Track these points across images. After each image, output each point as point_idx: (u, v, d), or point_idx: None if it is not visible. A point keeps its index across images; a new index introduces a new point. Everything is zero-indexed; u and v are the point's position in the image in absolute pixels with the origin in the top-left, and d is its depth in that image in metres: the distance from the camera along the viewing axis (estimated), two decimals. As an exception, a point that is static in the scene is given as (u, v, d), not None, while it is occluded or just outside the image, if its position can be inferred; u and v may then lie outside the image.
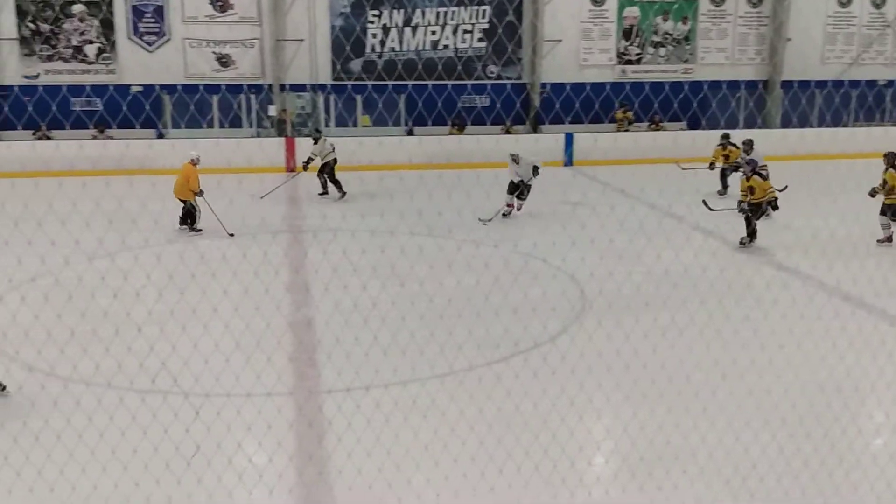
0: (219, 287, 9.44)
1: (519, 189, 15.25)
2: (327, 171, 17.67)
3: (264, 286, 9.75)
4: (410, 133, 23.41)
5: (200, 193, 13.79)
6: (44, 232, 7.42)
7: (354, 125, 23.33)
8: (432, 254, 12.45)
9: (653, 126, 24.61)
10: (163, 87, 22.32)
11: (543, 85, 24.65)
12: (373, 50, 24.18)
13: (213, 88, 22.36)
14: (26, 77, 22.53)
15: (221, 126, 22.38)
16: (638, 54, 25.64)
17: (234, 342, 7.99)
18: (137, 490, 5.75)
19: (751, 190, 13.14)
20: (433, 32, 24.36)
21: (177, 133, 21.94)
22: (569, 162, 22.23)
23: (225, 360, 7.70)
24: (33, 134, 21.53)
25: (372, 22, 24.04)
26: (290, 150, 21.33)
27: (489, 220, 14.46)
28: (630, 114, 24.14)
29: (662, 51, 25.79)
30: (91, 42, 22.87)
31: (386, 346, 8.09)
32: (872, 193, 13.14)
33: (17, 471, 5.77)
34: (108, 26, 22.64)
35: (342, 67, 23.83)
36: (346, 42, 23.62)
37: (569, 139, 22.53)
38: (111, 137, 21.35)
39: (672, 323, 8.91)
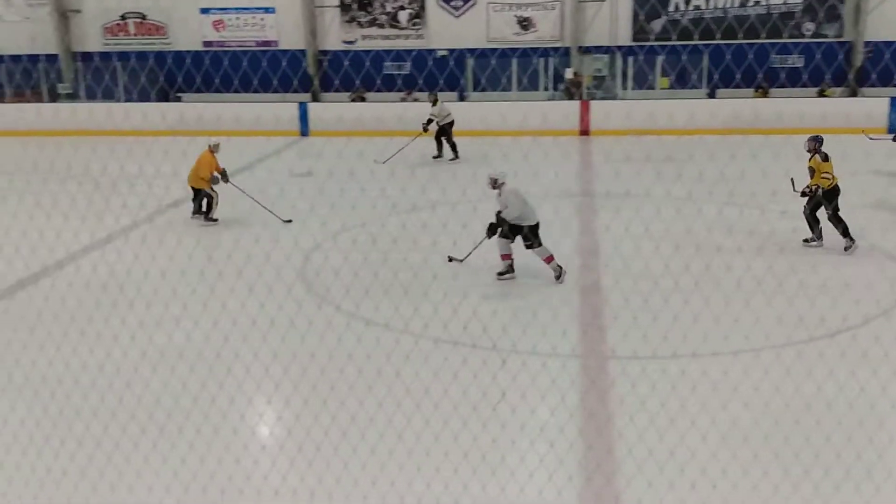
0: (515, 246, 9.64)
1: (499, 230, 9.51)
2: (444, 134, 17.79)
3: (559, 248, 9.82)
4: (712, 95, 22.26)
5: (215, 181, 12.60)
6: (359, 185, 7.91)
7: (652, 88, 22.62)
8: (733, 221, 11.79)
9: None
10: (466, 50, 23.14)
11: (868, 43, 22.24)
12: (676, 8, 23.22)
13: (512, 51, 22.83)
14: (345, 42, 24.41)
15: (519, 89, 22.77)
16: None
17: (520, 299, 8.14)
18: (427, 429, 6.04)
19: (811, 171, 10.65)
20: (743, -12, 22.87)
21: (476, 96, 22.67)
22: (894, 128, 19.91)
23: (512, 315, 7.86)
24: (350, 96, 23.32)
25: (677, -21, 23.07)
26: (585, 112, 21.19)
27: (460, 260, 9.98)
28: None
29: None
30: (404, 8, 24.22)
31: (677, 314, 7.79)
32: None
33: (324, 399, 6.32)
34: (419, -7, 23.88)
35: (643, 27, 23.17)
36: (649, 1, 22.91)
37: (894, 103, 20.16)
38: (417, 100, 22.57)
39: None
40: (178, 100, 23.74)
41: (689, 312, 7.81)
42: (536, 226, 9.42)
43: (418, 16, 24.06)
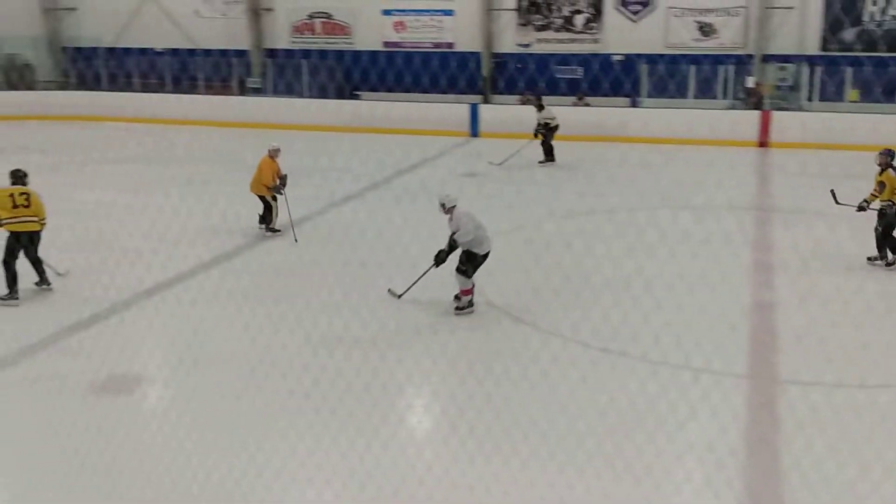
0: (680, 258, 9.40)
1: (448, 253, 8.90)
2: (549, 137, 17.25)
3: (726, 263, 9.49)
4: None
5: (276, 189, 11.72)
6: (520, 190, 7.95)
7: (841, 100, 21.35)
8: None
9: None
10: (641, 56, 22.71)
11: None
12: (871, 18, 21.80)
13: (690, 58, 22.20)
14: (519, 45, 24.51)
15: (696, 97, 22.10)
16: None
17: (692, 315, 7.90)
18: (582, 443, 5.99)
19: (881, 187, 9.82)
20: (950, -4, 21.17)
21: (651, 103, 22.20)
22: None
23: (681, 332, 7.66)
24: (520, 100, 23.41)
25: (875, -14, 21.66)
26: (765, 124, 20.28)
27: (398, 295, 9.19)
28: None
29: None
30: (580, 12, 24.05)
31: (866, 343, 7.34)
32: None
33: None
34: (597, -3, 23.64)
35: (834, 37, 21.91)
36: (841, 9, 21.63)
37: None
38: (588, 105, 22.36)
39: None
40: (356, 97, 24.65)
41: (859, 339, 7.36)
42: (488, 254, 8.73)
43: (594, 20, 23.82)
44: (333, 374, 7.13)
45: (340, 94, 24.60)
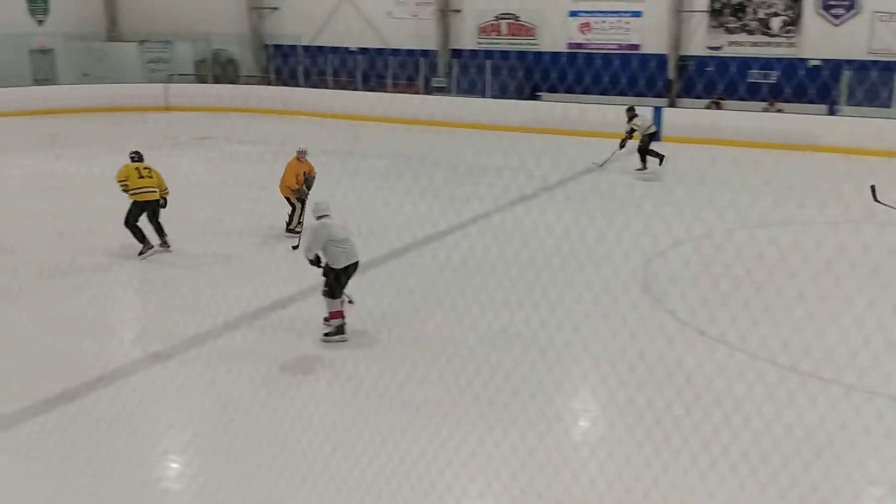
0: (885, 276, 8.88)
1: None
2: (646, 143, 16.65)
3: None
4: None
5: (299, 192, 11.60)
6: (709, 197, 7.77)
7: None
8: None
9: None
10: (842, 61, 21.41)
11: None
12: None
13: (897, 65, 20.75)
14: (710, 48, 23.73)
15: (902, 105, 20.62)
16: None
17: (893, 336, 7.46)
18: (766, 461, 5.80)
19: None
20: None
21: (850, 111, 20.90)
22: None
23: (880, 354, 7.25)
24: (707, 104, 22.68)
25: None
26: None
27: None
28: None
29: None
30: (777, 15, 22.98)
31: None
32: None
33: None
34: (796, -1, 22.51)
35: None
36: None
37: None
38: (781, 111, 21.35)
39: None
40: (537, 98, 24.73)
41: None
42: (349, 268, 8.08)
43: (793, 23, 22.69)
44: (507, 371, 7.27)
45: (522, 95, 24.77)
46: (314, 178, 11.79)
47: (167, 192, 11.00)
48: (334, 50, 28.20)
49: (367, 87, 26.85)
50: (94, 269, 10.31)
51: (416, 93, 26.06)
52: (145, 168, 10.87)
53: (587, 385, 7.42)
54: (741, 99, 21.70)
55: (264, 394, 6.99)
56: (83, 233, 11.82)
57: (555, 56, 25.17)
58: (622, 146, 16.99)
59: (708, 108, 22.28)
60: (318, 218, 8.25)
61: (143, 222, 10.77)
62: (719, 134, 19.90)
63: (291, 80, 28.24)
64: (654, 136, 17.19)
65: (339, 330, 8.14)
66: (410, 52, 26.96)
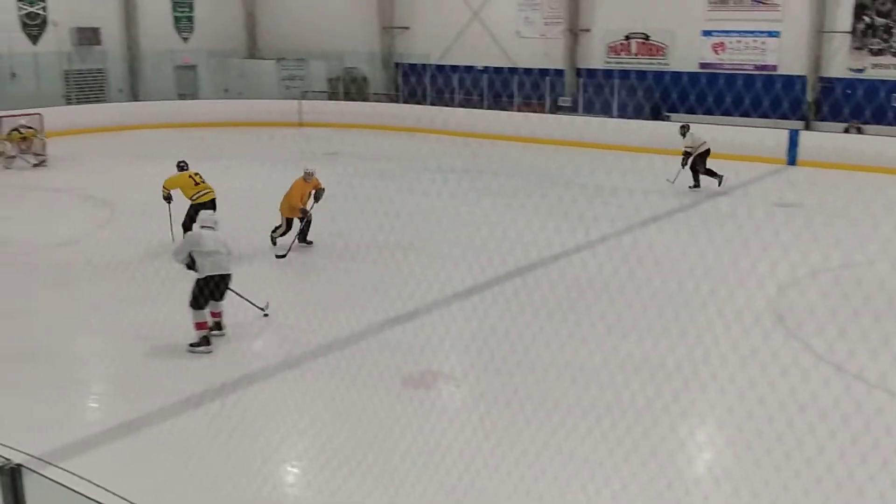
0: None
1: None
2: (699, 162, 16.60)
3: None
4: None
5: (303, 211, 12.17)
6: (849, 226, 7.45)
7: None
8: None
9: None
10: None
11: None
12: None
13: None
14: (851, 70, 22.71)
15: None
16: None
17: None
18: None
19: None
20: None
21: None
22: None
23: None
24: (846, 128, 21.71)
25: None
26: None
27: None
28: None
29: None
30: (927, 36, 21.79)
31: None
32: None
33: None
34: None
35: None
36: None
37: None
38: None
39: None
40: (666, 119, 24.26)
41: None
42: (214, 279, 8.28)
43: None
44: (631, 396, 7.15)
45: (650, 115, 24.37)
46: (323, 191, 12.35)
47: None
48: (461, 68, 28.55)
49: (495, 105, 27.02)
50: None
51: (542, 112, 26.06)
52: (196, 174, 12.27)
53: (713, 416, 7.21)
54: (887, 124, 20.67)
55: (387, 405, 7.13)
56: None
57: (686, 76, 24.67)
58: (684, 165, 16.91)
59: (847, 132, 21.30)
60: (201, 227, 8.73)
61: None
62: (861, 160, 18.96)
63: (421, 97, 28.75)
64: (707, 154, 16.94)
65: (204, 341, 8.31)
66: (539, 72, 26.98)
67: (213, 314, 8.64)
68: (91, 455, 6.42)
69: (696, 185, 16.99)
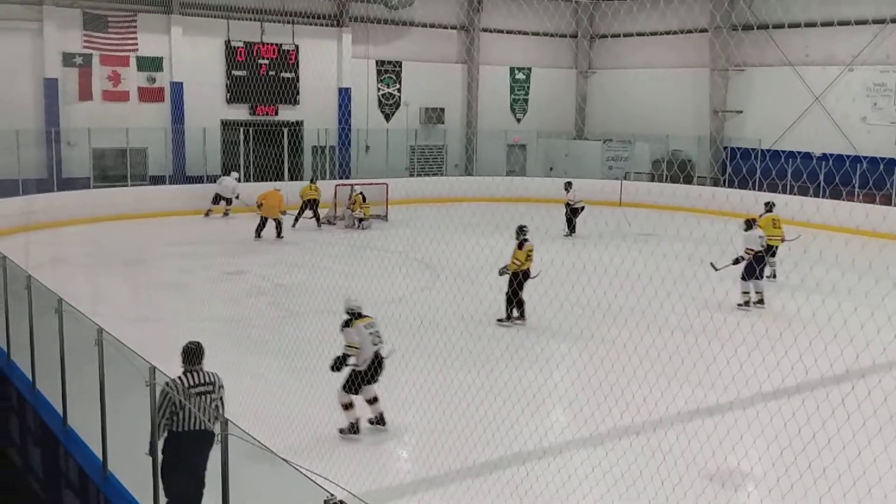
0: None
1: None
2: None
3: None
4: None
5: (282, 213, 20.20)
6: None
7: None
8: None
9: None
10: None
11: None
12: None
13: None
14: None
15: None
16: None
17: None
18: None
19: None
20: None
21: None
22: None
23: None
24: None
25: None
26: None
27: None
28: None
29: None
30: None
31: None
32: None
33: None
34: None
35: None
36: None
37: None
38: None
39: None
40: None
41: None
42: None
43: None
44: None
45: None
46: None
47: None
48: (795, 154, 27.00)
49: (829, 194, 25.16)
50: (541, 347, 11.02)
51: (889, 204, 23.81)
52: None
53: None
54: None
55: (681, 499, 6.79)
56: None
57: None
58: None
59: None
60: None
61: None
62: None
63: (745, 182, 27.57)
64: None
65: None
66: (883, 160, 24.70)
67: None
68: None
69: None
